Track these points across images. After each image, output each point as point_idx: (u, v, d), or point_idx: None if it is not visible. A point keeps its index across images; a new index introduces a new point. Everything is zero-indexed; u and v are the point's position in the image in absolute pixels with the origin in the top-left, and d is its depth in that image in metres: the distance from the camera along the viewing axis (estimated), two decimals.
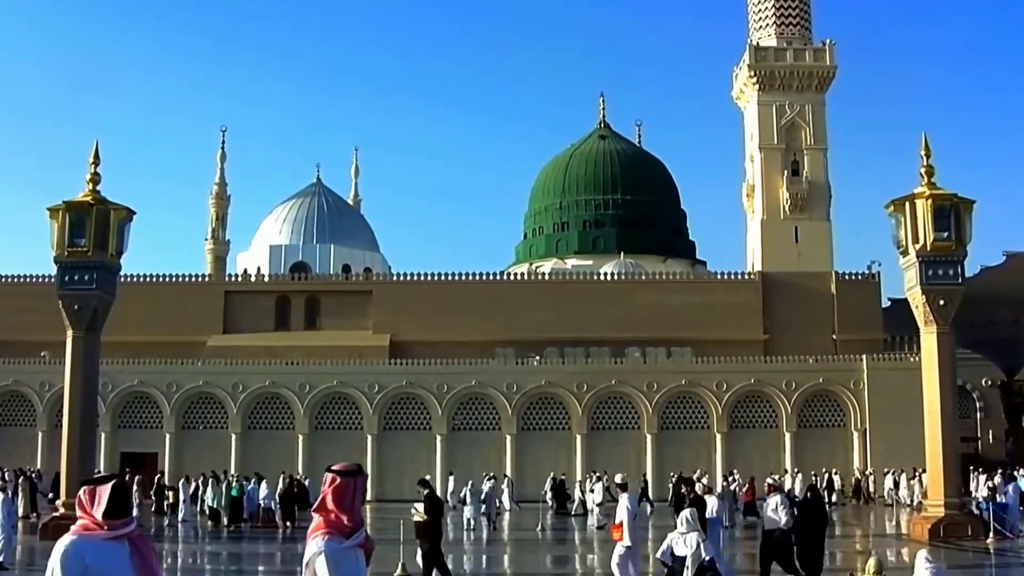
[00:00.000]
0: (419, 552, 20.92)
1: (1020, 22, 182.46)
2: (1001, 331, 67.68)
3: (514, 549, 35.17)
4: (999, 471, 47.43)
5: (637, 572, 19.47)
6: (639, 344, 67.51)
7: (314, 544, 6.53)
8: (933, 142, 33.88)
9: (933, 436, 32.70)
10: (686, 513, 18.06)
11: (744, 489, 46.76)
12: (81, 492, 6.57)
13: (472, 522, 40.04)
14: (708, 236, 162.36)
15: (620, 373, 64.15)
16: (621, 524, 19.21)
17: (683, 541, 17.46)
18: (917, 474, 53.40)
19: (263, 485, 42.27)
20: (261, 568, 30.67)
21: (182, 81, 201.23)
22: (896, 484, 55.72)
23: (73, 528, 6.48)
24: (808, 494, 22.19)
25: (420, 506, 21.01)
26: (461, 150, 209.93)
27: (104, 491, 6.48)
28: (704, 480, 20.91)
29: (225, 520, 40.59)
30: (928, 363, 33.26)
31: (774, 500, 20.81)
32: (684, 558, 17.40)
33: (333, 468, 6.72)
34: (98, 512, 6.43)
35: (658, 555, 18.91)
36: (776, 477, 21.32)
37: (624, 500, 19.46)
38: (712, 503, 21.56)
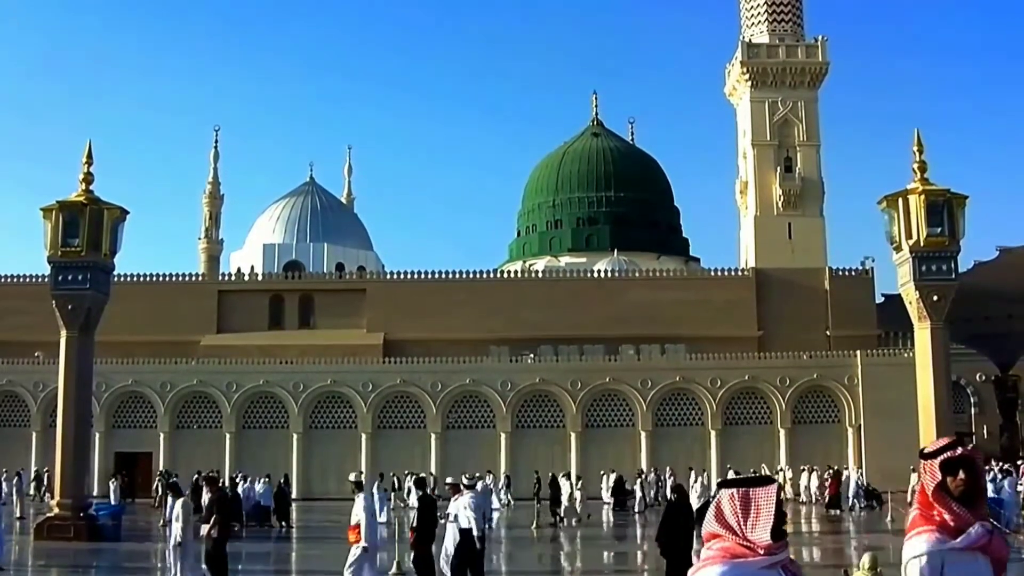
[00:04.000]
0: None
1: (1012, 16, 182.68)
2: (995, 326, 67.82)
3: (512, 547, 35.17)
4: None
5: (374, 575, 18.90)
6: (633, 341, 67.59)
7: (911, 545, 5.07)
8: (926, 138, 33.88)
9: (927, 431, 32.71)
10: (466, 498, 19.75)
11: (828, 482, 49.55)
12: (723, 498, 4.69)
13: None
14: (701, 233, 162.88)
15: (614, 370, 64.19)
16: (358, 525, 18.41)
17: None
18: (827, 472, 54.03)
19: (259, 484, 42.31)
20: (259, 567, 30.68)
21: (175, 80, 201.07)
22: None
23: (711, 554, 4.63)
24: (673, 495, 20.42)
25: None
26: (454, 148, 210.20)
27: (766, 499, 4.63)
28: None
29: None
30: (922, 359, 33.31)
31: (463, 500, 20.33)
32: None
33: (926, 450, 5.17)
34: (761, 531, 4.57)
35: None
36: (468, 476, 20.90)
37: (360, 500, 18.59)
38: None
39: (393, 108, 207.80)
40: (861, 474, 50.52)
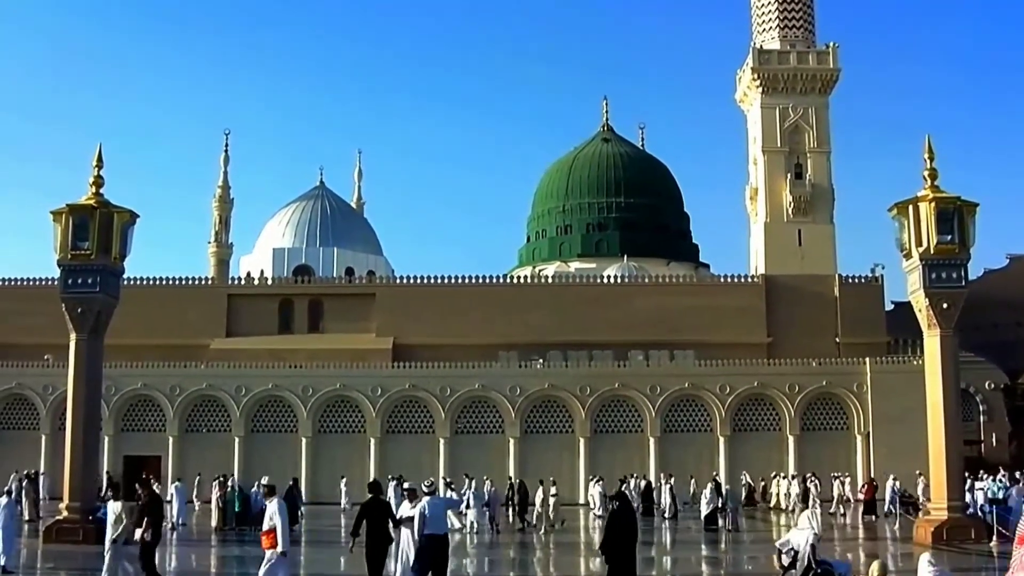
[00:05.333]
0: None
1: (1023, 23, 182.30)
2: (1004, 334, 67.85)
3: (518, 552, 35.16)
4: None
5: None
6: (642, 347, 67.48)
7: None
8: (936, 145, 33.84)
9: (936, 439, 32.69)
10: (807, 512, 19.72)
11: (863, 488, 50.45)
12: None
13: (476, 525, 40.12)
14: (711, 239, 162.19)
15: (623, 376, 64.15)
16: (272, 531, 18.09)
17: (800, 537, 19.11)
18: (799, 479, 53.70)
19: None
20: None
21: (185, 84, 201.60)
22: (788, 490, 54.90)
23: None
24: (615, 503, 19.72)
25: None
26: (464, 153, 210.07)
27: None
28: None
29: (233, 522, 40.66)
30: (931, 366, 33.24)
31: (405, 506, 20.13)
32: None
33: None
34: None
35: (778, 544, 20.07)
36: (427, 483, 20.77)
37: (273, 505, 18.51)
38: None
39: (403, 113, 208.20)
40: (897, 481, 50.14)
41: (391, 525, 19.89)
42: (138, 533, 20.07)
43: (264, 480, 19.23)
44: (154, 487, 23.95)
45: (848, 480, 56.48)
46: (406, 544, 19.83)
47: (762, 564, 31.50)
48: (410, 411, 64.11)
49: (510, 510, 44.81)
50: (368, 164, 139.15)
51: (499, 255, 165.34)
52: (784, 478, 55.62)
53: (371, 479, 24.12)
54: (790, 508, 52.35)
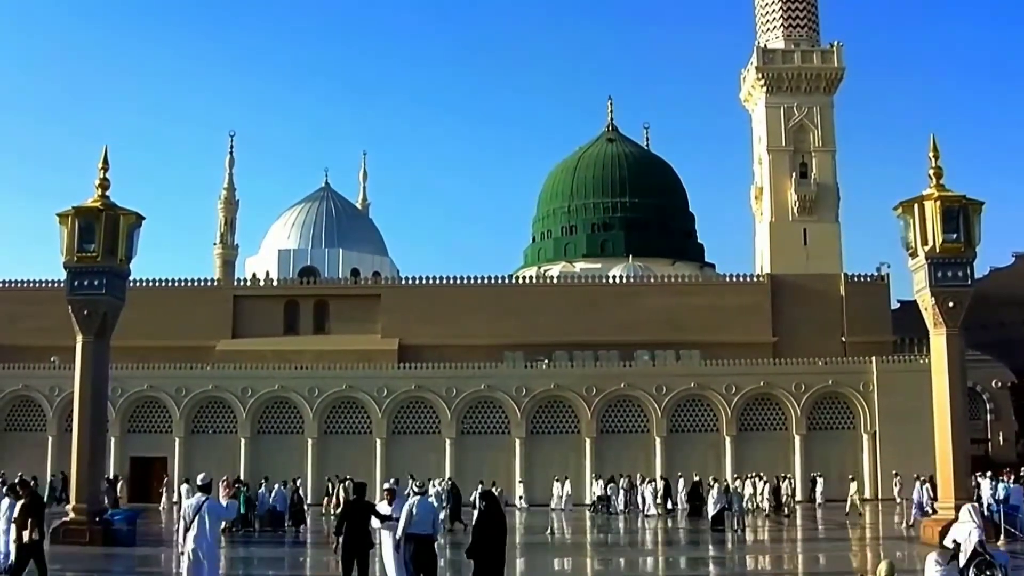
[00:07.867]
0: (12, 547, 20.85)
1: None
2: (1011, 332, 67.74)
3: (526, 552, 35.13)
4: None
5: None
6: (648, 347, 67.53)
7: None
8: (942, 143, 33.73)
9: (943, 438, 32.62)
10: (968, 507, 19.90)
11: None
12: None
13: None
14: (717, 239, 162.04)
15: (629, 376, 64.15)
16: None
17: (963, 530, 19.43)
18: (762, 479, 53.26)
19: (275, 489, 42.55)
20: (271, 572, 30.78)
21: (191, 86, 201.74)
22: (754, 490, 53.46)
23: None
24: (483, 503, 19.67)
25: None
26: (469, 154, 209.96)
27: None
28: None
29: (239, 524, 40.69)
30: (937, 365, 33.16)
31: (383, 505, 20.14)
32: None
33: None
34: None
35: (946, 541, 20.30)
36: (418, 484, 20.40)
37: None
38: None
39: (408, 113, 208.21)
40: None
41: (375, 525, 19.82)
42: (26, 535, 20.02)
43: (199, 478, 18.65)
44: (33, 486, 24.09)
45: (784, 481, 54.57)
46: (387, 545, 19.80)
47: (765, 564, 31.53)
48: (416, 412, 64.15)
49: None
50: (373, 165, 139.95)
51: (504, 256, 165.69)
52: (748, 479, 53.94)
53: (355, 480, 23.95)
54: (750, 509, 51.34)
